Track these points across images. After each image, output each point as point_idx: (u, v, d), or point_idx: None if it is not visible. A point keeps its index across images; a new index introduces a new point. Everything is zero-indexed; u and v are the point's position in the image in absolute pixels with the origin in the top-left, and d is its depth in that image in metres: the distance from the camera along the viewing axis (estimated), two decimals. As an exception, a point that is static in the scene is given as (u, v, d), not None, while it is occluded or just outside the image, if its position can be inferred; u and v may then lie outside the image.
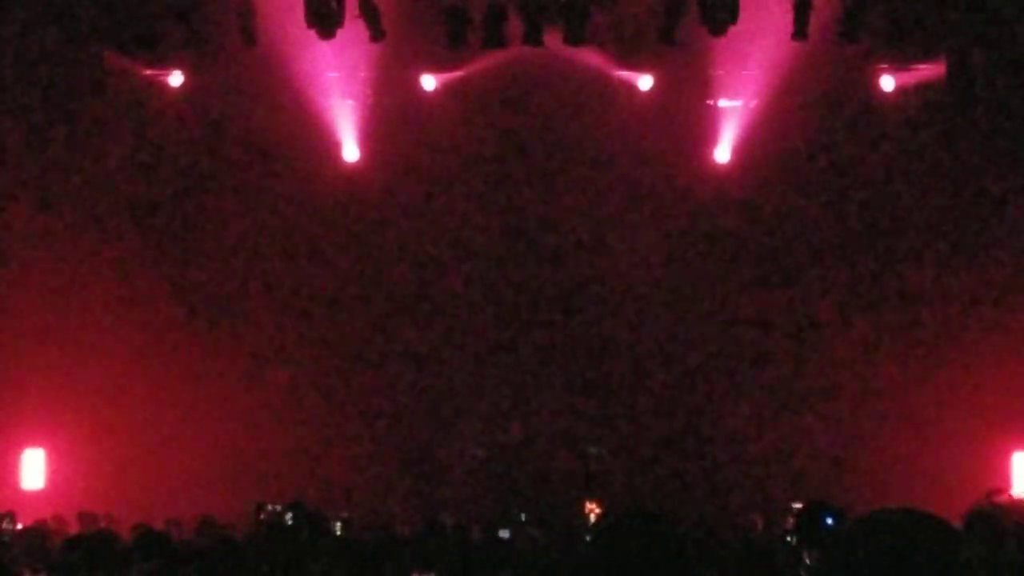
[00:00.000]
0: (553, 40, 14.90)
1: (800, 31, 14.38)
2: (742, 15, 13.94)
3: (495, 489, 15.63)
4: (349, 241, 16.24)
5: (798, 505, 10.33)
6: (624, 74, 15.83)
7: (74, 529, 10.59)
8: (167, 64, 15.83)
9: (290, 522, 8.18)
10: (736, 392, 15.77)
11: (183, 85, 15.99)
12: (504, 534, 10.56)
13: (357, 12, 14.42)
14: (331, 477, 15.37)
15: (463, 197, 16.18)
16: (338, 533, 8.50)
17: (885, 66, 15.59)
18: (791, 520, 10.26)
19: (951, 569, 2.37)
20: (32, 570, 7.04)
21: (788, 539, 8.79)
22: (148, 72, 15.89)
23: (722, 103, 15.88)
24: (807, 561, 6.08)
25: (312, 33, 14.39)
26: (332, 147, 16.05)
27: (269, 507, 9.10)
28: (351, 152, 16.16)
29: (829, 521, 5.36)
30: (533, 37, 14.81)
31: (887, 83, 15.69)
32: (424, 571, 7.11)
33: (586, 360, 16.08)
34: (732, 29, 14.15)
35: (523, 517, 14.00)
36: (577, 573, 2.68)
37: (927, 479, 13.87)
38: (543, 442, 15.89)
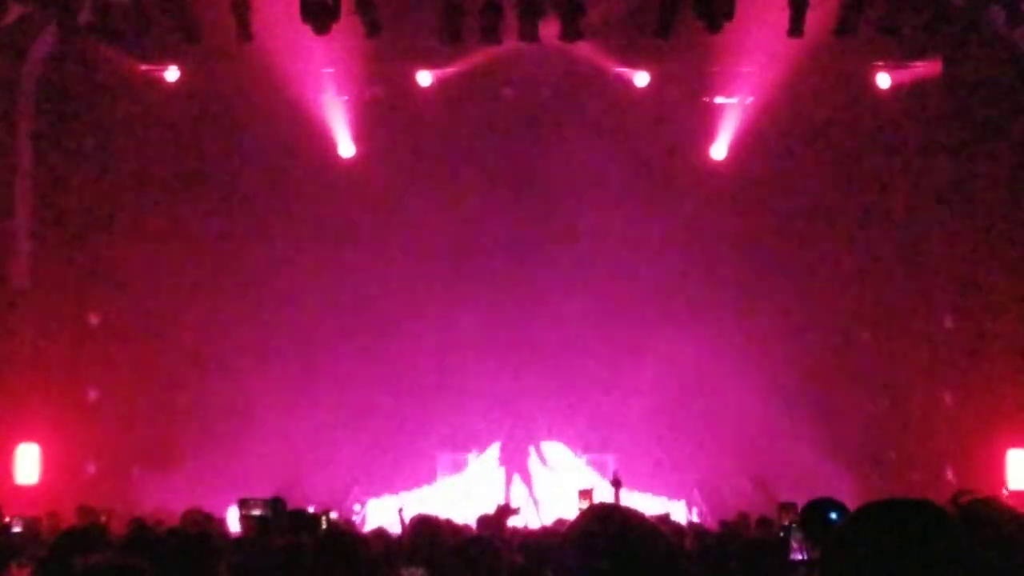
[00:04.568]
0: (549, 35, 14.87)
1: (796, 28, 14.32)
2: (738, 12, 13.88)
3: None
4: (345, 235, 16.22)
5: (792, 502, 10.31)
6: (620, 70, 15.82)
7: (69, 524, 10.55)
8: (163, 59, 15.83)
9: (267, 516, 8.18)
10: (729, 387, 15.74)
11: (178, 80, 15.98)
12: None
13: (352, 7, 14.39)
14: (325, 474, 15.38)
15: (459, 191, 16.17)
16: (324, 527, 8.51)
17: (881, 63, 15.58)
18: (784, 517, 10.21)
19: (946, 557, 2.36)
20: (18, 564, 7.02)
21: (782, 535, 8.73)
22: (144, 67, 15.89)
23: (718, 99, 15.88)
24: (804, 556, 6.05)
25: (307, 28, 14.34)
26: (328, 142, 16.04)
27: (250, 502, 9.09)
28: (347, 147, 16.14)
29: (833, 516, 5.32)
30: (529, 32, 14.77)
31: (883, 80, 15.68)
32: (413, 567, 7.08)
33: (579, 354, 16.06)
34: (728, 26, 14.10)
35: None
36: (563, 568, 2.66)
37: (922, 475, 13.87)
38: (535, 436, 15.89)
